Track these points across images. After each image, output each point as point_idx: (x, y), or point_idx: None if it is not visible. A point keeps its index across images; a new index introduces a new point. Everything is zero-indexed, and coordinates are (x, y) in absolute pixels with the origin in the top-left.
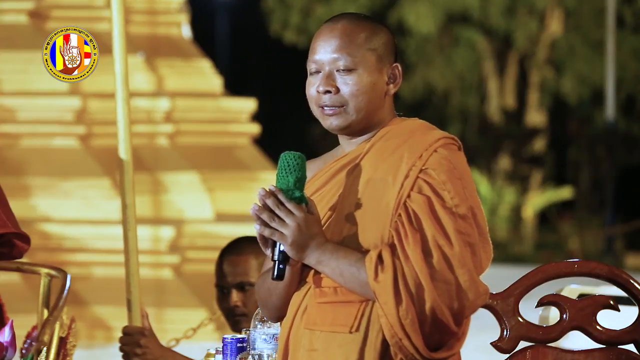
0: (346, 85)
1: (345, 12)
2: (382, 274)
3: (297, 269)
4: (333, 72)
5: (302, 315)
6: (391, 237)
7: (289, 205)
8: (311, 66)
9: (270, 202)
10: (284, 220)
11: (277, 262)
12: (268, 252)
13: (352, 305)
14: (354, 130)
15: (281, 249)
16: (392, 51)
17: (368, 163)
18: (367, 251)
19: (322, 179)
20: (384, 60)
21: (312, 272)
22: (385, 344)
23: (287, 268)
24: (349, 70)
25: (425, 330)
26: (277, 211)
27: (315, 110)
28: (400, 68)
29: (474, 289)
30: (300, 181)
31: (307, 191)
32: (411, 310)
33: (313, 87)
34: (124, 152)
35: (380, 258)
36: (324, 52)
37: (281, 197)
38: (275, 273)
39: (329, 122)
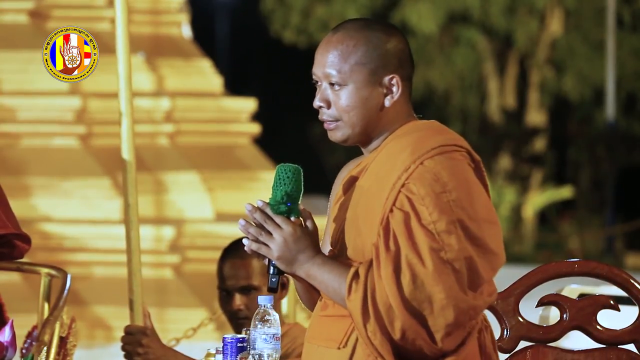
0: (338, 100)
1: (350, 18)
2: (355, 293)
3: None
4: (327, 87)
5: (309, 327)
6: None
7: (277, 220)
8: (313, 77)
9: (257, 217)
10: (271, 235)
11: (270, 275)
12: (265, 262)
13: (346, 321)
14: (355, 142)
15: (273, 262)
16: (393, 61)
17: (371, 172)
18: (357, 265)
19: (343, 186)
20: (378, 73)
21: None
22: None
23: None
24: (338, 85)
25: (399, 350)
26: (265, 225)
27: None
28: (399, 79)
29: (452, 307)
30: (290, 195)
31: (334, 198)
32: (378, 330)
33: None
34: (126, 152)
35: (356, 276)
36: (319, 66)
37: (268, 211)
38: (268, 285)
39: (330, 135)
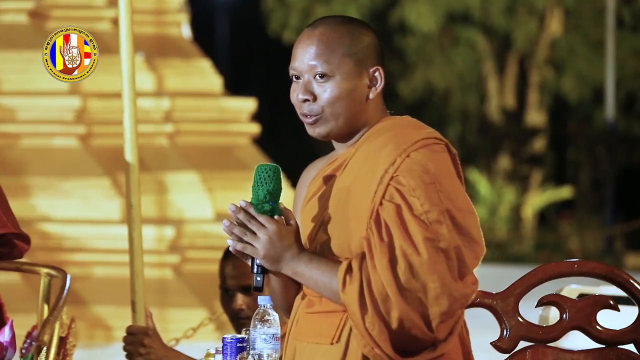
0: (324, 92)
1: (327, 16)
2: (350, 285)
3: (287, 276)
4: (311, 80)
5: (295, 326)
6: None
7: (261, 219)
8: (292, 72)
9: (241, 217)
10: (255, 234)
11: (255, 274)
12: (249, 262)
13: (335, 316)
14: (337, 136)
15: (258, 262)
16: (374, 54)
17: (352, 167)
18: (348, 259)
19: (317, 183)
20: (363, 64)
21: None
22: (366, 356)
23: (275, 277)
24: (326, 77)
25: (396, 339)
26: (249, 225)
27: (300, 116)
28: (382, 71)
29: (446, 295)
30: (272, 193)
31: (307, 195)
32: (377, 321)
33: (294, 94)
34: (129, 152)
35: (349, 269)
36: (302, 60)
37: (251, 211)
38: (253, 284)
39: (311, 130)
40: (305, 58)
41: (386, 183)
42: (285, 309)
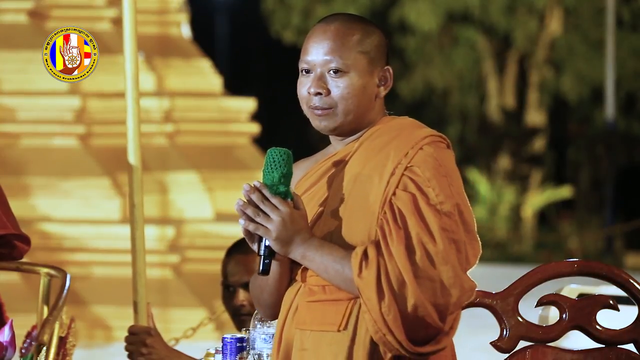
0: (337, 87)
1: (339, 12)
2: (366, 270)
3: (286, 265)
4: (324, 74)
5: (293, 315)
6: (377, 235)
7: (274, 201)
8: (303, 66)
9: (255, 197)
10: (268, 215)
11: (262, 257)
12: (255, 247)
13: (341, 304)
14: (343, 131)
15: (266, 244)
16: (384, 54)
17: (356, 161)
18: (354, 248)
19: (312, 177)
20: (375, 62)
21: (301, 270)
22: (374, 342)
23: (275, 263)
24: (340, 72)
25: (409, 326)
26: (262, 206)
27: (306, 110)
28: (391, 71)
29: (458, 286)
30: (286, 177)
31: (299, 190)
32: (393, 306)
33: (304, 87)
34: (132, 152)
35: (365, 255)
36: (316, 54)
37: (266, 192)
38: (261, 268)
39: (319, 123)
40: (320, 52)
41: (400, 174)
42: (271, 304)
